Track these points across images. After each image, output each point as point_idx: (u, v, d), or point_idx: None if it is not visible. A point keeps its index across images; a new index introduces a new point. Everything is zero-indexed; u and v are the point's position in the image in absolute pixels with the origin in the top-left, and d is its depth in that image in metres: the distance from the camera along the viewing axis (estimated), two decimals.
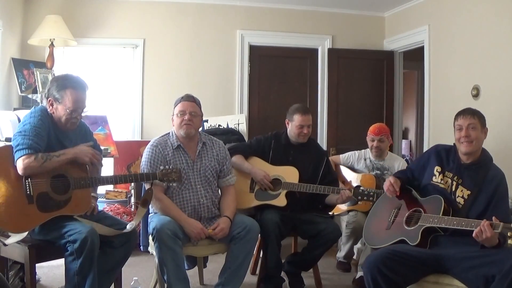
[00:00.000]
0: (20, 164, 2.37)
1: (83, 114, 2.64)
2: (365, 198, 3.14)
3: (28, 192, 2.39)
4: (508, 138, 3.70)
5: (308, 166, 3.43)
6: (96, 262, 2.50)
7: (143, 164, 3.01)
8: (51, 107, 2.57)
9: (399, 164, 3.96)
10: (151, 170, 2.93)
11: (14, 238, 2.49)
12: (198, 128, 3.14)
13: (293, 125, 3.45)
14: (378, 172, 3.89)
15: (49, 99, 2.57)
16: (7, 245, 2.55)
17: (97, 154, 2.65)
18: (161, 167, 2.82)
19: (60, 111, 2.56)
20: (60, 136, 2.60)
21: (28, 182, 2.39)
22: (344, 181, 3.94)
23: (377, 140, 3.89)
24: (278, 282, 3.30)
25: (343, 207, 3.83)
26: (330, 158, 4.04)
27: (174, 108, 3.07)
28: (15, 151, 2.39)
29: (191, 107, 3.03)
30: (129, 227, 2.73)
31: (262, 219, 3.16)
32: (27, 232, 2.48)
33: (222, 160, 3.16)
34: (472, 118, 2.59)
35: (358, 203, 3.68)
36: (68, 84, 2.57)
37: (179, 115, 3.01)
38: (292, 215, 3.31)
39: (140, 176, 2.82)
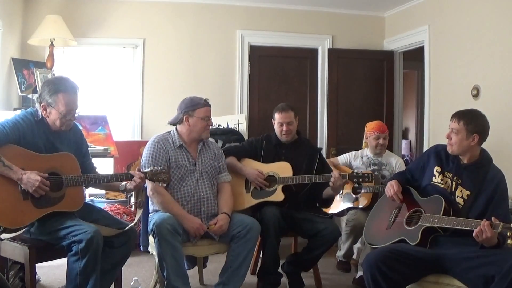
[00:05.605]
0: None
1: (75, 115, 2.68)
2: (361, 179, 3.16)
3: (23, 189, 2.43)
4: (508, 138, 3.70)
5: (302, 163, 3.45)
6: (99, 263, 2.51)
7: (145, 159, 3.04)
8: (44, 112, 2.61)
9: (396, 160, 3.96)
10: (154, 165, 2.95)
11: (10, 234, 2.51)
12: None
13: (275, 124, 3.55)
14: (376, 167, 3.89)
15: (42, 104, 2.60)
16: (3, 239, 2.59)
17: (45, 187, 2.47)
18: (151, 168, 2.85)
19: (54, 115, 2.59)
20: (51, 137, 2.63)
21: None
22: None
23: (382, 137, 3.90)
24: (275, 278, 3.31)
25: (342, 204, 3.84)
26: (329, 160, 4.06)
27: (196, 109, 3.09)
28: None
29: (210, 113, 3.17)
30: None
31: (262, 214, 3.19)
32: (23, 230, 2.51)
33: (219, 157, 3.23)
34: (457, 123, 2.57)
35: (358, 198, 3.70)
36: (59, 88, 2.59)
37: (205, 119, 3.11)
38: (291, 212, 3.32)
39: (131, 176, 2.79)
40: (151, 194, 2.99)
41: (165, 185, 2.90)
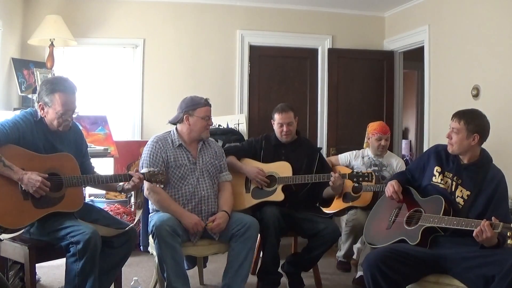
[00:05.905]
0: None
1: (74, 116, 2.67)
2: (360, 179, 3.18)
3: (23, 189, 2.42)
4: (508, 138, 3.70)
5: (301, 163, 3.45)
6: (98, 264, 2.51)
7: (144, 158, 3.04)
8: (42, 111, 2.60)
9: (397, 161, 3.96)
10: (151, 165, 2.96)
11: (10, 234, 2.51)
12: None
13: (275, 125, 3.55)
14: (376, 168, 3.89)
15: (39, 103, 2.60)
16: (3, 240, 2.58)
17: (45, 187, 2.46)
18: (148, 169, 2.85)
19: (51, 114, 2.58)
20: (51, 138, 2.62)
21: None
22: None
23: (384, 138, 3.90)
24: (275, 278, 3.31)
25: (342, 204, 3.84)
26: (328, 158, 4.06)
27: (196, 109, 3.10)
28: None
29: (210, 113, 3.17)
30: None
31: (262, 214, 3.19)
32: (22, 230, 2.50)
33: (219, 156, 3.24)
34: (457, 122, 2.58)
35: (357, 196, 3.70)
36: (56, 88, 2.58)
37: (205, 119, 3.11)
38: (291, 212, 3.32)
39: (130, 176, 2.79)
40: (147, 194, 2.99)
41: (162, 186, 2.90)
